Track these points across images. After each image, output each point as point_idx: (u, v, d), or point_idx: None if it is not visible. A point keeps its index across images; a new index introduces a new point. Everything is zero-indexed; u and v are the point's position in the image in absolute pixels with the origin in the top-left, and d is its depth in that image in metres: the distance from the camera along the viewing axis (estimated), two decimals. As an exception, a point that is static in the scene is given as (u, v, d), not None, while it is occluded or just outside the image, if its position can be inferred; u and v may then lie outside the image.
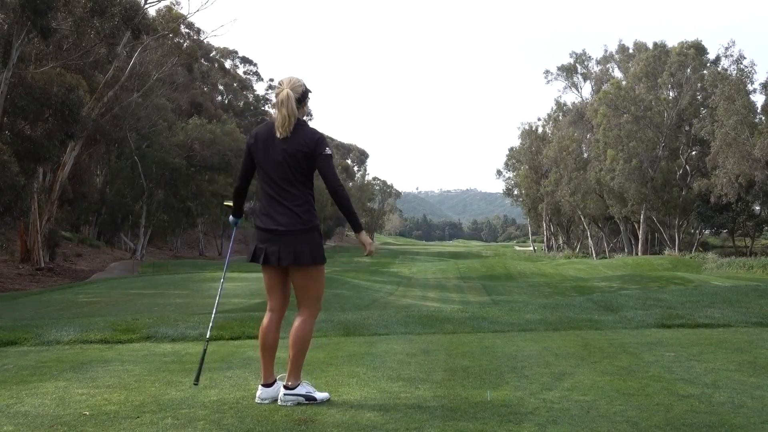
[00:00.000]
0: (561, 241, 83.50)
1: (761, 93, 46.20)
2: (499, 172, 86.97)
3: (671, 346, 5.72)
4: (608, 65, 70.06)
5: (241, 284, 21.50)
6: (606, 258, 59.49)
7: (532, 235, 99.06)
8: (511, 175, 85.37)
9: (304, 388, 4.03)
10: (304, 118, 4.21)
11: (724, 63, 53.56)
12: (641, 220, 58.04)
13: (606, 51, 72.60)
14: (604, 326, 7.13)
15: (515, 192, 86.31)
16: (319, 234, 4.26)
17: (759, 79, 77.99)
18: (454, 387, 4.32)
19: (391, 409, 3.79)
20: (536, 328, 7.08)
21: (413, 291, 25.05)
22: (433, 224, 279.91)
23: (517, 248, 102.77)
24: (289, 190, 4.08)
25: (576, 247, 78.89)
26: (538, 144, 73.78)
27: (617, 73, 67.73)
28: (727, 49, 53.05)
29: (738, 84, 45.70)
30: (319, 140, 4.04)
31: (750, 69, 48.31)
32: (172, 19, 38.66)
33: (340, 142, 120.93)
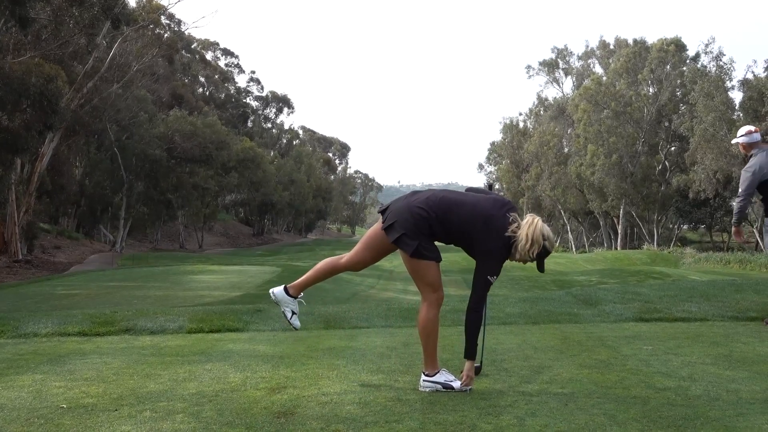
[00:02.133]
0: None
1: (739, 90, 46.65)
2: (480, 166, 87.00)
3: (649, 340, 5.77)
4: (589, 61, 70.41)
5: (221, 277, 21.44)
6: (586, 252, 59.83)
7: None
8: (492, 170, 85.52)
9: (443, 377, 4.14)
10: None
11: (704, 60, 53.99)
12: (621, 215, 58.48)
13: (587, 46, 73.03)
14: (583, 320, 7.18)
15: (497, 186, 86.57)
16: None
17: (737, 76, 78.79)
18: (433, 380, 4.33)
19: (371, 402, 3.80)
20: (516, 322, 7.12)
21: (394, 284, 25.02)
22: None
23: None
24: None
25: (557, 240, 79.36)
26: (520, 138, 73.95)
27: (598, 69, 68.04)
28: (707, 46, 53.48)
29: (717, 81, 46.08)
30: None
31: (729, 66, 48.74)
32: (152, 9, 38.37)
33: (321, 135, 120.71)
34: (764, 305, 7.54)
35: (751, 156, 7.25)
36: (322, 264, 4.56)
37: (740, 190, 7.30)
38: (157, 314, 7.74)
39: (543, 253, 4.04)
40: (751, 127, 7.50)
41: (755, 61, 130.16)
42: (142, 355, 5.47)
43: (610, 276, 28.97)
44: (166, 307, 10.11)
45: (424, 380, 4.15)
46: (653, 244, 55.71)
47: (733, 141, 7.80)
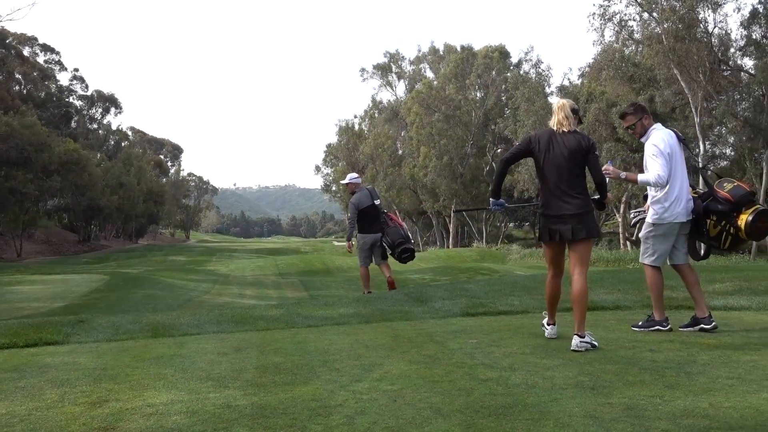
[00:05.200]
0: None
1: (557, 95, 49.85)
2: (317, 168, 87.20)
3: (474, 334, 6.01)
4: (421, 65, 72.58)
5: (42, 287, 20.07)
6: (420, 251, 61.71)
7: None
8: (329, 171, 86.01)
9: (590, 338, 5.16)
10: None
11: (525, 67, 57.45)
12: (452, 215, 60.82)
13: (419, 51, 75.22)
14: (414, 317, 7.38)
15: (333, 188, 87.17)
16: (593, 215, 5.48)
17: (555, 82, 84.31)
18: (265, 384, 4.28)
19: (199, 411, 3.68)
20: (349, 322, 7.19)
21: (230, 289, 24.54)
22: (251, 221, 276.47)
23: (336, 243, 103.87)
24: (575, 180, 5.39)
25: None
26: (355, 141, 74.92)
27: (429, 74, 70.39)
28: (526, 53, 57.05)
29: (537, 87, 49.08)
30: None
31: (547, 73, 52.14)
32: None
33: (153, 136, 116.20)
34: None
35: (353, 193, 10.95)
36: (557, 294, 5.74)
37: (349, 215, 10.97)
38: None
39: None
40: (353, 174, 11.41)
41: (570, 69, 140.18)
42: (-56, 375, 4.99)
43: (442, 273, 30.00)
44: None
45: (580, 341, 5.08)
46: (482, 242, 58.41)
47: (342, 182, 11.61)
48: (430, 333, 6.14)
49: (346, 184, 11.20)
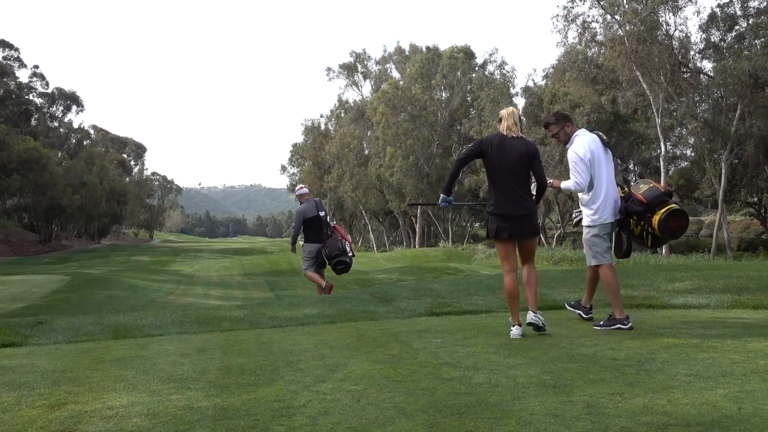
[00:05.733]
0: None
1: (522, 96, 50.30)
2: (283, 168, 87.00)
3: (439, 333, 6.04)
4: (387, 65, 72.69)
5: (0, 288, 19.71)
6: (386, 251, 61.80)
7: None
8: (295, 171, 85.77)
9: (540, 318, 5.82)
10: None
11: (490, 68, 57.85)
12: (418, 215, 61.05)
13: (385, 51, 75.33)
14: (379, 317, 7.38)
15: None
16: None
17: (520, 83, 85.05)
18: (228, 385, 4.24)
19: (160, 413, 3.64)
20: (314, 322, 7.17)
21: (195, 289, 24.37)
22: (216, 220, 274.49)
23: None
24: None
25: (358, 240, 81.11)
26: (321, 140, 74.82)
27: (395, 74, 70.51)
28: (491, 55, 57.41)
29: (502, 88, 49.46)
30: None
31: (511, 74, 52.54)
32: None
33: (115, 135, 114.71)
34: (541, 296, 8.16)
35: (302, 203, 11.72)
36: (516, 291, 5.89)
37: (294, 222, 12.03)
38: None
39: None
40: (301, 185, 12.21)
41: (535, 70, 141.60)
42: None
43: (408, 273, 30.11)
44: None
45: (535, 315, 5.77)
46: (449, 242, 58.69)
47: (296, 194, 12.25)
48: (395, 333, 6.15)
49: (297, 195, 12.01)
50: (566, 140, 6.28)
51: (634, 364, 4.45)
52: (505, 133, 5.82)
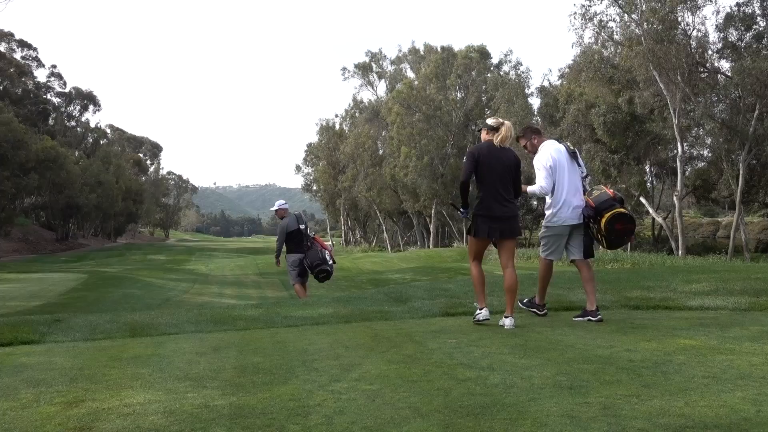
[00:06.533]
0: (358, 236, 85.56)
1: (537, 96, 50.10)
2: (298, 168, 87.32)
3: (453, 333, 6.02)
4: (402, 65, 72.66)
5: (18, 286, 19.88)
6: (401, 251, 61.76)
7: (331, 229, 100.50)
8: (309, 171, 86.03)
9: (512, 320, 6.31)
10: None
11: (505, 68, 57.70)
12: (432, 215, 60.94)
13: (400, 51, 75.33)
14: (394, 317, 7.38)
15: (314, 187, 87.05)
16: None
17: (535, 83, 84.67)
18: (243, 384, 4.26)
19: (177, 411, 3.66)
20: (329, 321, 7.18)
21: (210, 288, 24.47)
22: (231, 220, 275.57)
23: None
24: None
25: (372, 241, 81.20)
26: (336, 140, 74.91)
27: (410, 73, 70.43)
28: (506, 55, 57.22)
29: (517, 88, 49.29)
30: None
31: (526, 74, 52.33)
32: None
33: (132, 134, 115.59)
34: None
35: (282, 218, 12.37)
36: (483, 278, 6.62)
37: (277, 236, 12.50)
38: None
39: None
40: (281, 201, 12.81)
41: (550, 70, 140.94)
42: None
43: (422, 273, 30.06)
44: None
45: (512, 322, 6.27)
46: (463, 242, 58.54)
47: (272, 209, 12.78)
48: (410, 333, 6.14)
49: (276, 210, 12.69)
50: (534, 151, 6.82)
51: (650, 366, 4.42)
52: (496, 143, 6.36)
